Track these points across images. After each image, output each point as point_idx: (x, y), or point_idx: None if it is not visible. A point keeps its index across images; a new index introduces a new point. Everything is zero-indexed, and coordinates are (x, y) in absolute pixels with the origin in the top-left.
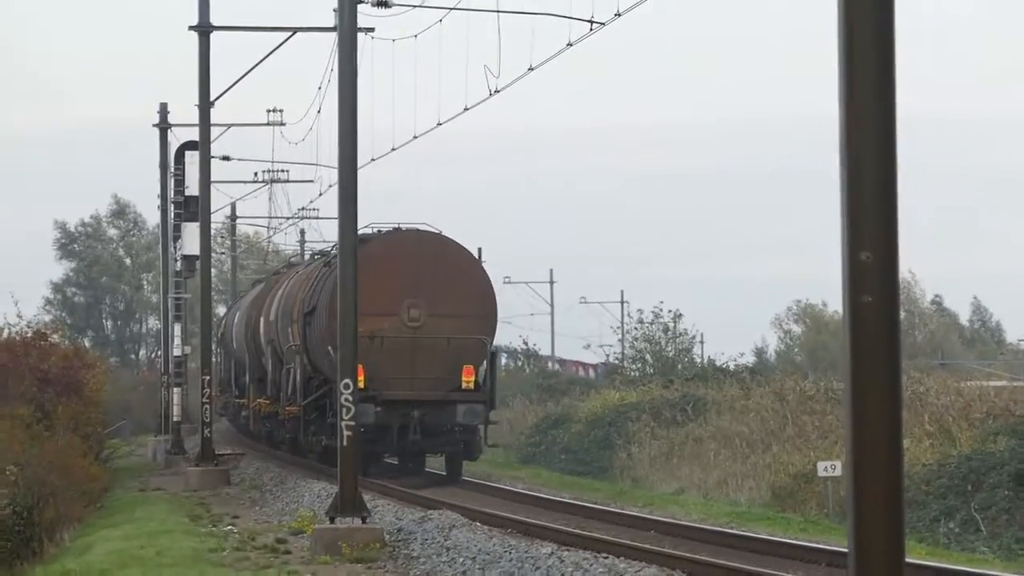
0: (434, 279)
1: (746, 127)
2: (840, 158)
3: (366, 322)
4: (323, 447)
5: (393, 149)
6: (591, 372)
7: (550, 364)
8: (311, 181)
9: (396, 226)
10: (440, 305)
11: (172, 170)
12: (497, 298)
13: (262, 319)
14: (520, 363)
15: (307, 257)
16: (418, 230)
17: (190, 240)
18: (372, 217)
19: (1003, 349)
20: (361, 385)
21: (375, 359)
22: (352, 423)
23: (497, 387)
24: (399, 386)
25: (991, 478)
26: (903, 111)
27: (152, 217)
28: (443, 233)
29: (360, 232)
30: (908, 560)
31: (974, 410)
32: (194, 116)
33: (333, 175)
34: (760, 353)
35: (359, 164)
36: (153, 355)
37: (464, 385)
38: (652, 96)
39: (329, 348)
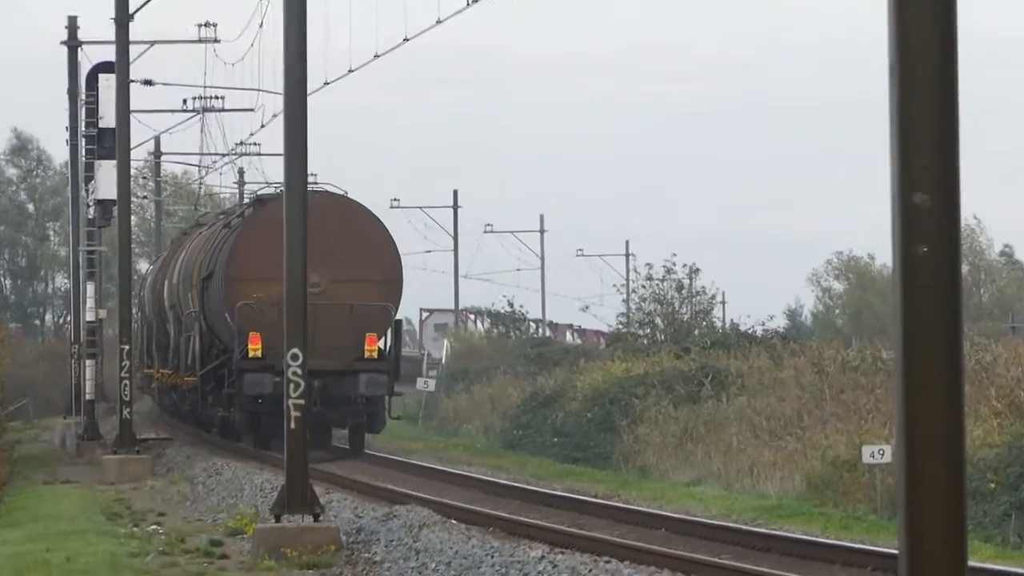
0: (337, 243)
1: (780, 51)
2: (889, 83)
3: (263, 287)
4: (220, 419)
5: (351, 71)
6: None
7: (539, 329)
8: (251, 110)
9: (313, 189)
10: (343, 270)
11: (83, 97)
12: (404, 263)
13: (166, 282)
14: (504, 329)
15: (231, 207)
16: (323, 191)
17: (105, 182)
18: (324, 153)
19: None
20: (258, 354)
21: (272, 326)
22: (300, 401)
23: (402, 356)
24: None
25: None
26: (970, 30)
27: (60, 154)
28: (348, 195)
29: (261, 192)
30: (971, 563)
31: None
32: (110, 32)
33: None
34: (794, 316)
35: (309, 89)
36: (61, 321)
37: (367, 354)
38: (668, 9)
39: (226, 315)
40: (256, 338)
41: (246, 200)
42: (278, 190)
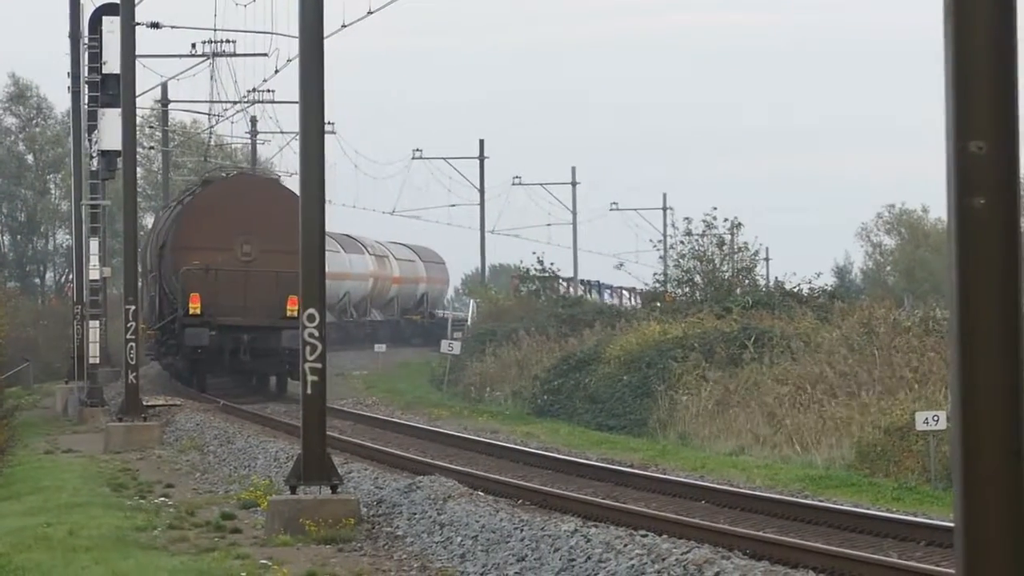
0: (266, 220)
1: None
2: (944, 23)
3: (204, 255)
4: (169, 365)
5: (370, 12)
6: None
7: (570, 289)
8: (264, 55)
9: (240, 171)
10: (270, 242)
11: (86, 41)
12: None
13: (150, 243)
14: (534, 288)
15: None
16: (256, 176)
17: (109, 131)
18: (341, 98)
19: None
20: (197, 311)
21: (211, 288)
22: (317, 365)
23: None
24: (232, 313)
25: None
26: None
27: (61, 102)
28: (280, 180)
29: (207, 174)
30: None
31: None
32: None
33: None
34: (842, 273)
35: (326, 32)
36: (63, 279)
37: (289, 314)
38: None
39: (173, 278)
40: (196, 298)
41: (213, 173)
42: (227, 174)
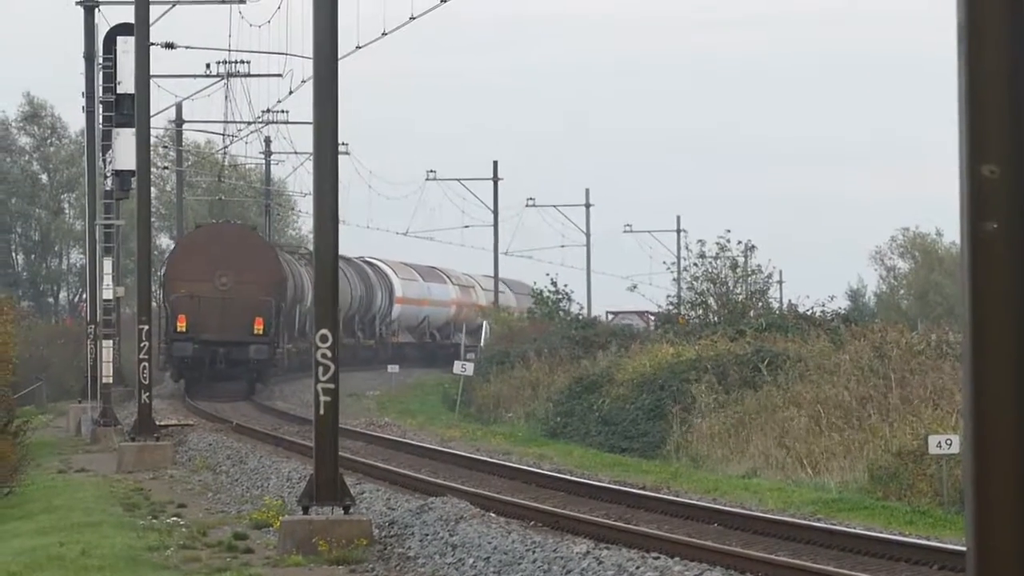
0: (240, 258)
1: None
2: (957, 44)
3: (190, 286)
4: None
5: (384, 34)
6: None
7: (583, 311)
8: (279, 75)
9: (225, 221)
10: (242, 276)
11: (100, 61)
12: (288, 273)
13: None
14: (547, 309)
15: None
16: (230, 223)
17: (123, 151)
18: (355, 119)
19: None
20: (183, 329)
21: (195, 311)
22: (330, 385)
23: (282, 331)
24: (211, 330)
25: None
26: None
27: (75, 122)
28: (255, 230)
29: (199, 227)
30: None
31: None
32: None
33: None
34: (856, 296)
35: (340, 54)
36: (76, 299)
37: (256, 331)
38: None
39: (166, 304)
40: (183, 319)
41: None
42: (216, 221)
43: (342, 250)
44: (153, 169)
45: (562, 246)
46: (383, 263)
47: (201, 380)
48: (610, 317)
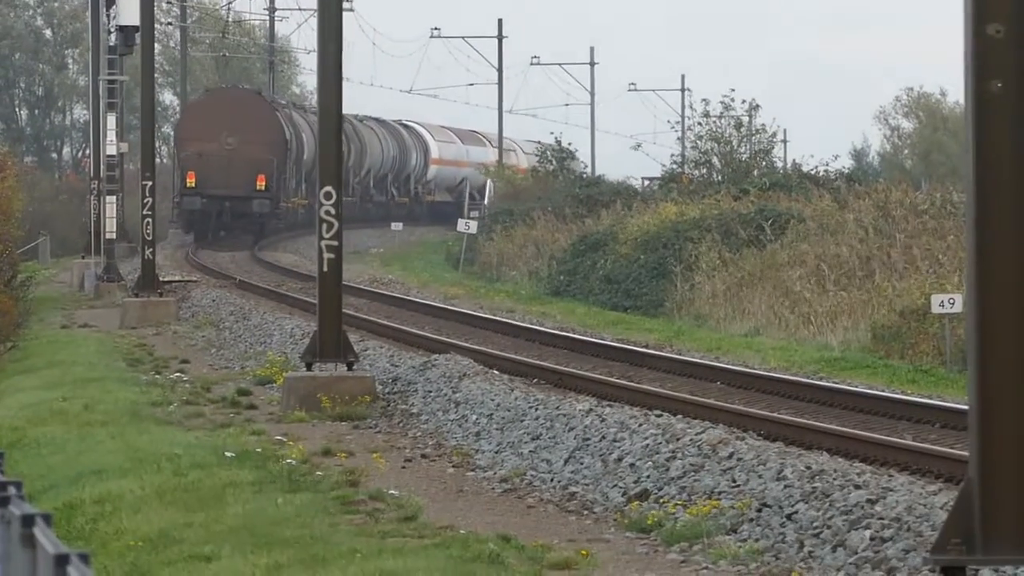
0: (245, 121)
1: None
2: None
3: (198, 144)
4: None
5: None
6: None
7: (587, 170)
8: None
9: (234, 86)
10: (246, 136)
11: None
12: (290, 134)
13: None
14: (551, 167)
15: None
16: (237, 87)
17: (128, 7)
18: None
19: None
20: (192, 184)
21: (204, 168)
22: (334, 242)
23: (282, 189)
24: (218, 186)
25: None
26: None
27: None
28: (260, 94)
29: (208, 91)
30: None
31: None
32: None
33: None
34: (859, 156)
35: None
36: (80, 154)
37: (258, 187)
38: None
39: (177, 160)
40: (192, 175)
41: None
42: (225, 85)
43: (347, 108)
44: (157, 25)
45: (566, 105)
46: (420, 125)
47: (208, 232)
48: (645, 183)
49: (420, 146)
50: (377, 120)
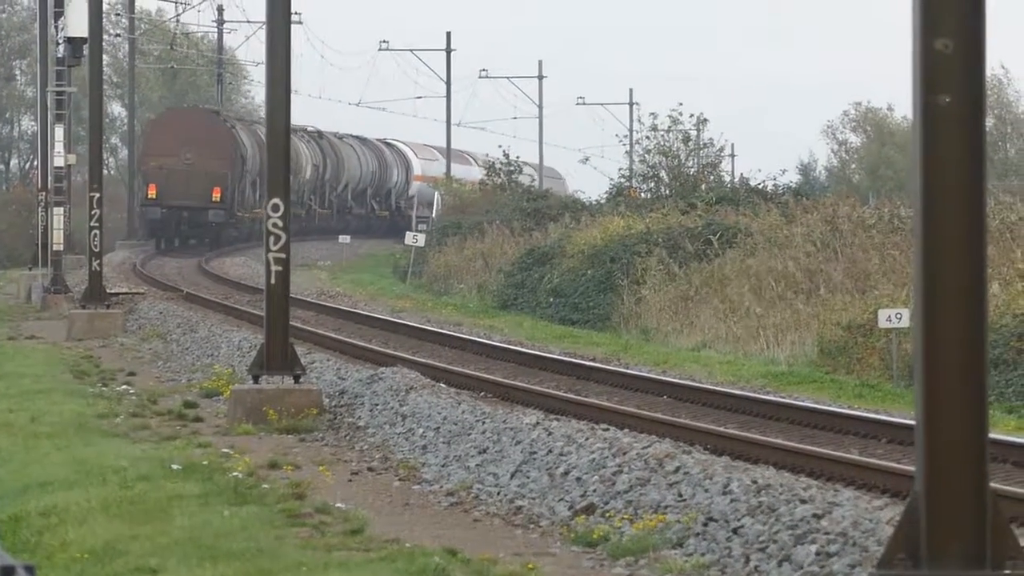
0: (202, 137)
1: None
2: None
3: (158, 160)
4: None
5: None
6: None
7: (535, 183)
8: None
9: (195, 107)
10: (203, 152)
11: None
12: (245, 149)
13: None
14: (498, 181)
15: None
16: (197, 108)
17: (76, 18)
18: None
19: None
20: (153, 196)
21: (164, 181)
22: (281, 255)
23: (236, 200)
24: (177, 197)
25: None
26: None
27: None
28: (218, 114)
29: (169, 110)
30: (992, 435)
31: None
32: None
33: None
34: (807, 171)
35: None
36: (28, 166)
37: (214, 199)
38: None
39: (140, 174)
40: (153, 187)
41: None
42: (186, 106)
43: (295, 120)
44: (105, 37)
45: (515, 118)
46: (403, 144)
47: (168, 239)
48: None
49: (402, 163)
50: (357, 138)
